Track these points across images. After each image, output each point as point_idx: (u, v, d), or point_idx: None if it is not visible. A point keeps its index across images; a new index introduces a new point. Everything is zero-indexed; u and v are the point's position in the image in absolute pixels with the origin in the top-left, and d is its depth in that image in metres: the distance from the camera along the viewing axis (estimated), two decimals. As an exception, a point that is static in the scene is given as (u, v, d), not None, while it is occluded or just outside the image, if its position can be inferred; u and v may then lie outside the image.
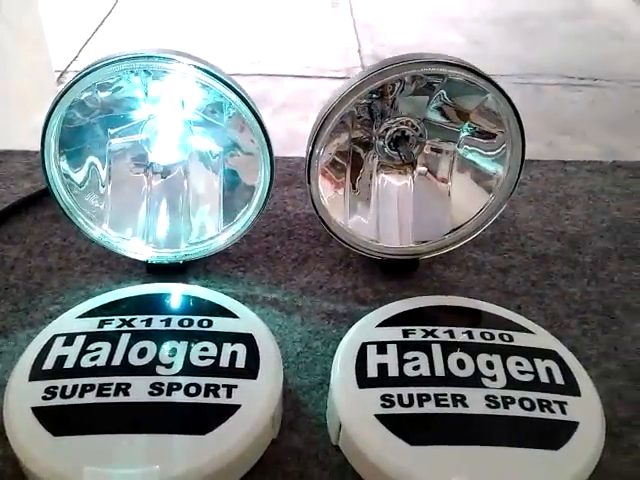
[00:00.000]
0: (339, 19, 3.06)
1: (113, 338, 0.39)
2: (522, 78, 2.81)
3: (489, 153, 0.46)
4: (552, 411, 0.36)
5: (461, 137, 0.47)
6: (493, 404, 0.36)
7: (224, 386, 0.37)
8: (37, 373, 0.37)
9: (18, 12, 1.49)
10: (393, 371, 0.38)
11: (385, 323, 0.42)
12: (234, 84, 0.41)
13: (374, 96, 0.47)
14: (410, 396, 0.37)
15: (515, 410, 0.36)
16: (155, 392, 0.36)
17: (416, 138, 0.49)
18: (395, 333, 0.41)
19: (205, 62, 0.41)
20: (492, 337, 0.41)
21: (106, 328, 0.40)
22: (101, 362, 0.37)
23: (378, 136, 0.49)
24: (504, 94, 0.42)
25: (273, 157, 0.43)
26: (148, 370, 0.37)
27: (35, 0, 1.55)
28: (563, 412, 0.36)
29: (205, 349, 0.39)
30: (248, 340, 0.40)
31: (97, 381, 0.36)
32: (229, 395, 0.36)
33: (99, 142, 0.46)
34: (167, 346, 0.39)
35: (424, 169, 0.49)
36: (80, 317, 0.41)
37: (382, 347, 0.40)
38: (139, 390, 0.36)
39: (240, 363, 0.38)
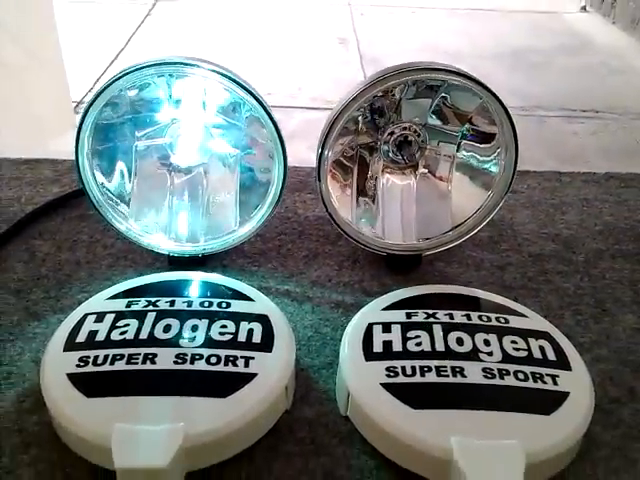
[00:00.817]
0: (347, 55, 3.16)
1: (140, 316, 0.43)
2: (525, 110, 2.88)
3: (485, 154, 0.50)
4: (544, 382, 0.39)
5: (459, 140, 0.51)
6: (489, 375, 0.39)
7: (242, 357, 0.40)
8: (71, 345, 0.41)
9: (39, 40, 1.56)
10: (397, 347, 0.41)
11: (390, 307, 0.45)
12: (250, 87, 0.46)
13: (377, 103, 0.51)
14: (413, 367, 0.40)
15: (510, 381, 0.39)
16: (179, 361, 0.39)
17: (418, 143, 0.53)
18: (399, 315, 0.44)
19: (224, 67, 0.46)
20: (489, 319, 0.44)
21: (133, 308, 0.43)
22: (129, 336, 0.41)
23: (383, 141, 0.53)
24: (497, 98, 0.46)
25: (286, 155, 0.47)
26: (173, 343, 0.40)
27: (55, 29, 1.62)
28: (555, 384, 0.39)
29: (224, 326, 0.42)
30: (264, 320, 0.43)
31: (126, 351, 0.40)
32: (246, 365, 0.39)
33: (127, 142, 0.50)
34: (189, 323, 0.42)
35: (425, 170, 0.53)
36: (109, 299, 0.45)
37: (387, 327, 0.43)
38: (165, 359, 0.39)
39: (256, 339, 0.41)
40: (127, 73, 0.44)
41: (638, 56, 3.26)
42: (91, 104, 0.45)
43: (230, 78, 0.46)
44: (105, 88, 0.45)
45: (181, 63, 0.45)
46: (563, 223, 0.61)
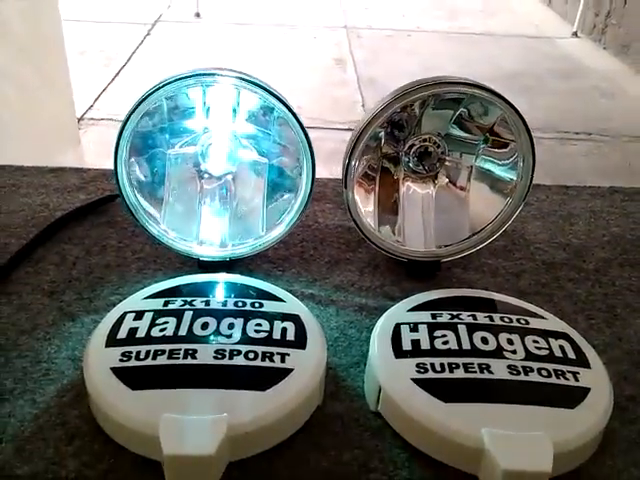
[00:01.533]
0: (344, 75, 3.21)
1: (177, 314, 0.44)
2: (519, 132, 2.94)
3: (503, 162, 0.53)
4: (567, 379, 0.41)
5: (478, 150, 0.54)
6: (515, 372, 0.41)
7: (278, 353, 0.42)
8: (112, 341, 0.42)
9: (48, 58, 1.59)
10: (425, 345, 0.43)
11: (415, 309, 0.47)
12: (280, 95, 0.48)
13: (397, 118, 0.53)
14: (442, 364, 0.42)
15: (534, 377, 0.41)
16: (219, 357, 0.41)
17: (438, 154, 0.55)
18: (425, 316, 0.46)
19: (252, 76, 0.48)
20: (510, 320, 0.46)
21: (170, 307, 0.45)
22: (169, 333, 0.43)
23: (404, 152, 0.55)
24: (515, 110, 0.49)
25: (314, 160, 0.50)
26: (211, 339, 0.42)
27: (64, 49, 1.65)
28: (576, 380, 0.41)
29: (259, 325, 0.44)
30: (295, 319, 0.45)
31: (167, 347, 0.41)
32: (282, 361, 0.41)
33: (161, 149, 0.52)
34: (226, 321, 0.44)
35: (445, 179, 0.55)
36: (146, 298, 0.46)
37: (414, 327, 0.45)
38: (205, 354, 0.41)
39: (290, 336, 0.43)
40: (167, 83, 0.46)
41: (628, 80, 3.34)
42: (132, 113, 0.47)
43: (261, 86, 0.48)
44: (145, 98, 0.47)
45: (217, 74, 0.48)
46: (572, 233, 0.64)
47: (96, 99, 2.78)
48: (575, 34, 3.98)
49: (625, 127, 2.81)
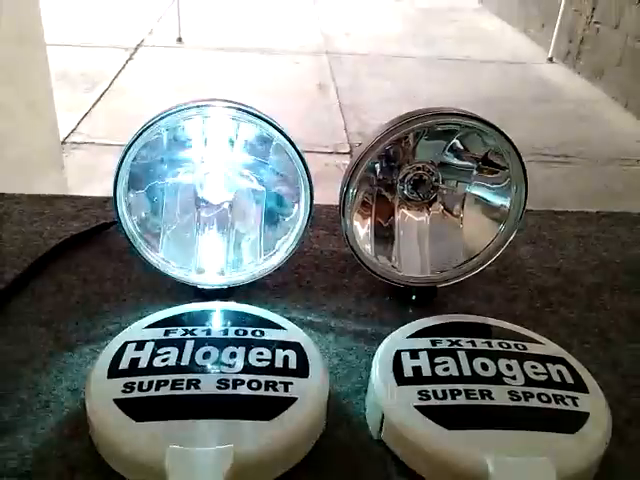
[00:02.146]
0: (326, 100, 3.25)
1: (179, 344, 0.44)
2: (499, 155, 2.99)
3: (496, 189, 0.54)
4: (566, 404, 0.42)
5: (472, 178, 0.55)
6: (515, 397, 0.42)
7: (281, 382, 0.42)
8: (114, 372, 0.42)
9: (32, 84, 1.58)
10: (426, 372, 0.44)
11: (415, 335, 0.48)
12: (278, 124, 0.49)
13: (392, 149, 0.54)
14: (443, 391, 0.42)
15: (534, 402, 0.42)
16: (222, 386, 0.41)
17: (432, 182, 0.56)
18: (425, 343, 0.47)
19: (250, 106, 0.49)
20: (509, 346, 0.47)
21: (171, 336, 0.45)
22: (171, 363, 0.42)
23: (399, 181, 0.56)
24: (508, 139, 0.50)
25: (313, 188, 0.50)
26: (214, 369, 0.42)
27: (49, 73, 1.65)
28: (575, 405, 0.42)
29: (261, 353, 0.44)
30: (297, 347, 0.45)
31: (170, 377, 0.41)
32: (286, 390, 0.41)
33: (159, 179, 0.52)
34: (227, 350, 0.44)
35: (440, 206, 0.56)
36: (147, 328, 0.46)
37: (414, 354, 0.46)
38: (208, 384, 0.41)
39: (292, 365, 0.43)
40: (168, 115, 0.47)
41: (603, 105, 3.42)
42: (132, 143, 0.47)
43: (261, 117, 0.49)
44: (145, 129, 0.47)
45: (216, 105, 0.48)
46: (563, 258, 0.65)
47: (78, 123, 2.77)
48: (550, 60, 4.09)
49: (601, 150, 2.88)
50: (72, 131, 2.71)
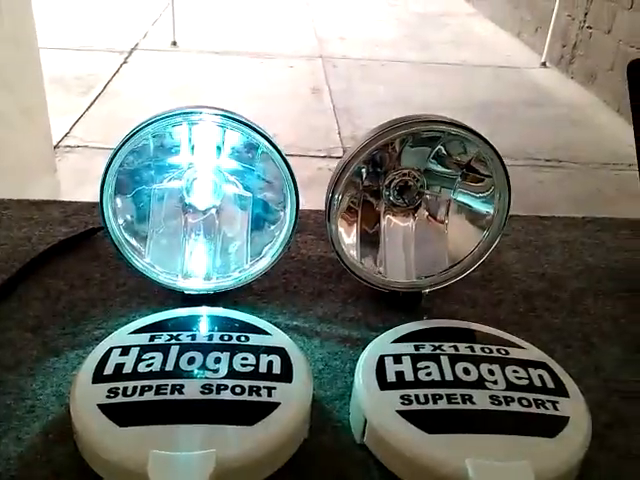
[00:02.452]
0: (320, 104, 3.26)
1: (164, 349, 0.44)
2: (492, 159, 3.01)
3: (480, 196, 0.55)
4: (546, 408, 0.43)
5: (456, 185, 0.55)
6: (496, 402, 0.42)
7: (264, 387, 0.42)
8: (99, 377, 0.42)
9: (26, 88, 1.59)
10: (409, 377, 0.44)
11: (398, 340, 0.48)
12: (264, 131, 0.49)
13: (379, 154, 0.55)
14: (425, 396, 0.43)
15: (515, 407, 0.42)
16: (206, 391, 0.41)
17: (417, 188, 0.57)
18: (408, 347, 0.47)
19: (237, 114, 0.50)
20: (491, 351, 0.47)
21: (156, 341, 0.45)
22: (156, 368, 0.43)
23: (384, 186, 0.57)
24: (491, 146, 0.51)
25: (298, 194, 0.51)
26: (198, 374, 0.43)
27: (41, 74, 1.65)
28: (555, 409, 0.43)
29: (245, 358, 0.44)
30: (281, 352, 0.46)
31: (154, 383, 0.42)
32: (269, 395, 0.42)
33: (146, 185, 0.53)
34: (212, 355, 0.44)
35: (425, 212, 0.57)
36: (132, 333, 0.47)
37: (398, 358, 0.46)
38: (192, 390, 0.41)
39: (276, 370, 0.44)
40: (155, 121, 0.47)
41: (596, 109, 3.44)
42: (119, 149, 0.48)
43: (247, 124, 0.49)
44: (132, 135, 0.48)
45: (203, 112, 0.49)
46: (548, 263, 0.66)
47: (72, 126, 2.77)
48: (544, 64, 4.11)
49: (595, 155, 2.89)
50: (66, 135, 2.71)
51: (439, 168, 0.56)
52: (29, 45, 1.64)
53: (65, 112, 2.84)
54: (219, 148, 0.53)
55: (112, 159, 0.48)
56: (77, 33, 4.05)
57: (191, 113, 0.49)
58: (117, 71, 3.53)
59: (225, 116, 0.49)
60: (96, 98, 3.12)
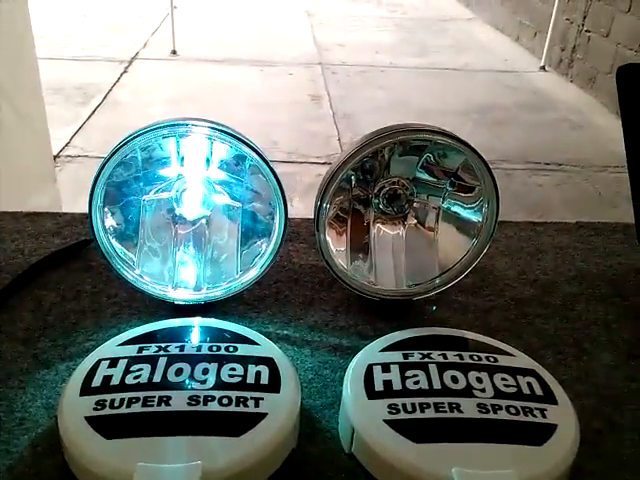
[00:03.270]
0: (320, 111, 3.26)
1: (152, 361, 0.45)
2: (491, 164, 3.01)
3: (469, 204, 0.55)
4: (534, 416, 0.42)
5: (445, 193, 0.56)
6: (484, 410, 0.42)
7: (252, 398, 0.42)
8: (87, 390, 0.42)
9: (24, 98, 1.59)
10: (397, 386, 0.44)
11: (387, 349, 0.48)
12: (252, 143, 0.50)
13: (368, 163, 0.55)
14: (413, 405, 0.43)
15: (503, 415, 0.42)
16: (193, 403, 0.41)
17: (406, 196, 0.57)
18: (396, 356, 0.47)
19: (229, 126, 0.50)
20: (479, 359, 0.47)
21: (145, 353, 0.46)
22: (143, 380, 0.43)
23: (374, 195, 0.57)
24: (478, 155, 0.51)
25: (287, 205, 0.51)
26: (185, 385, 0.43)
27: (40, 88, 1.66)
28: (544, 417, 0.43)
29: (233, 369, 0.44)
30: (269, 362, 0.46)
31: (141, 395, 0.42)
32: (257, 405, 0.42)
33: (135, 196, 0.53)
34: (200, 367, 0.44)
35: (414, 220, 0.57)
36: (120, 345, 0.47)
37: (386, 367, 0.46)
38: (179, 401, 0.41)
39: (264, 380, 0.44)
40: (141, 133, 0.48)
41: (596, 112, 3.44)
42: (106, 162, 0.48)
43: (234, 136, 0.50)
44: (120, 147, 0.48)
45: (191, 124, 0.49)
46: (540, 269, 0.66)
47: (72, 136, 2.78)
48: (543, 68, 4.11)
49: (595, 158, 2.89)
50: (66, 145, 2.72)
51: (427, 177, 0.56)
52: (27, 56, 1.65)
53: (65, 122, 2.85)
54: (208, 160, 0.53)
55: (100, 171, 0.49)
56: (77, 43, 4.07)
57: (178, 125, 0.49)
58: (117, 80, 3.55)
59: (213, 128, 0.50)
60: (96, 108, 3.14)
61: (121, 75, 3.63)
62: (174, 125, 0.48)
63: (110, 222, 0.52)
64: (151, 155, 0.52)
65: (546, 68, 4.11)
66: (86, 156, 2.59)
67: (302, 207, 1.78)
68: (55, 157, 2.45)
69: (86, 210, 0.68)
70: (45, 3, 4.49)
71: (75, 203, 2.09)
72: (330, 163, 0.53)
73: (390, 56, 4.22)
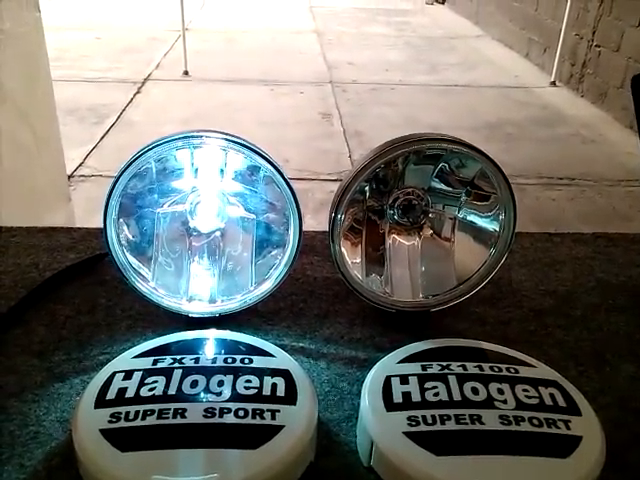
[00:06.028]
0: (331, 128, 3.27)
1: (167, 373, 0.44)
2: (504, 179, 3.00)
3: (485, 214, 0.54)
4: (558, 427, 0.41)
5: (461, 203, 0.55)
6: (506, 422, 0.41)
7: (268, 410, 0.41)
8: (102, 402, 0.42)
9: (40, 119, 1.61)
10: (416, 397, 0.43)
11: (405, 360, 0.48)
12: (267, 154, 0.49)
13: (382, 173, 0.55)
14: (433, 416, 0.42)
15: (526, 426, 0.41)
16: (209, 415, 0.41)
17: (422, 206, 0.56)
18: (415, 368, 0.46)
19: (242, 138, 0.50)
20: (500, 370, 0.47)
21: (159, 365, 0.45)
22: (158, 392, 0.42)
23: (389, 205, 0.56)
24: (495, 164, 0.50)
25: (302, 216, 0.51)
26: (200, 398, 0.42)
27: (55, 109, 1.68)
28: (568, 428, 0.41)
29: (249, 381, 0.44)
30: (286, 374, 0.45)
31: (156, 407, 0.41)
32: (273, 418, 0.41)
33: (150, 209, 0.53)
34: (215, 379, 0.44)
35: (430, 230, 0.56)
36: (135, 357, 0.46)
37: (404, 379, 0.45)
38: (194, 414, 0.41)
39: (280, 392, 0.43)
40: (156, 145, 0.48)
41: (607, 126, 3.43)
42: (121, 174, 0.48)
43: (248, 147, 0.49)
44: (135, 159, 0.48)
45: (205, 136, 0.49)
46: (558, 280, 0.65)
47: (86, 156, 2.81)
48: (553, 83, 4.11)
49: (607, 172, 2.87)
50: (80, 165, 2.75)
51: (443, 186, 0.55)
52: (42, 77, 1.67)
53: (80, 142, 2.88)
54: (222, 171, 0.53)
55: (115, 183, 0.49)
56: (90, 65, 4.13)
57: (192, 137, 0.49)
58: (130, 101, 3.58)
59: (227, 139, 0.50)
60: (110, 128, 3.17)
61: (134, 96, 3.67)
62: (188, 137, 0.48)
63: (125, 234, 0.52)
64: (165, 167, 0.52)
65: (556, 83, 4.11)
66: (100, 175, 2.62)
67: (315, 223, 1.78)
68: (69, 177, 2.47)
69: (100, 225, 0.69)
70: (59, 26, 4.57)
71: (88, 221, 2.11)
72: (341, 180, 0.53)
73: (400, 74, 4.24)
